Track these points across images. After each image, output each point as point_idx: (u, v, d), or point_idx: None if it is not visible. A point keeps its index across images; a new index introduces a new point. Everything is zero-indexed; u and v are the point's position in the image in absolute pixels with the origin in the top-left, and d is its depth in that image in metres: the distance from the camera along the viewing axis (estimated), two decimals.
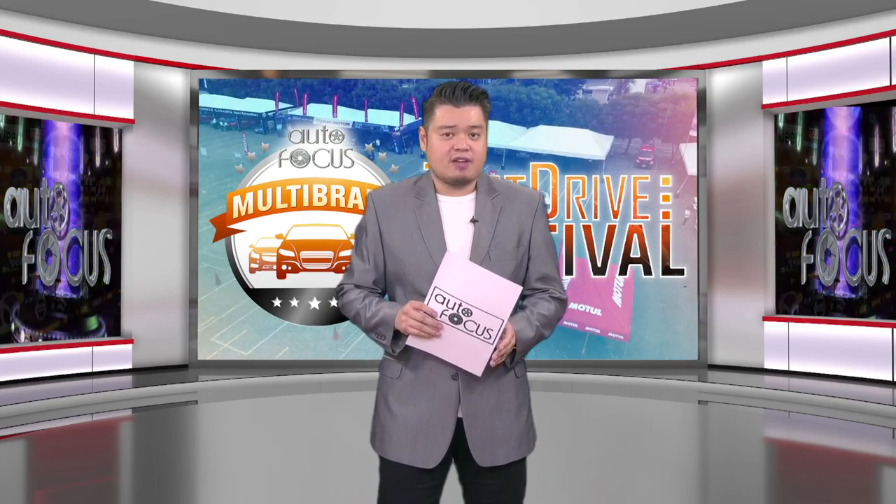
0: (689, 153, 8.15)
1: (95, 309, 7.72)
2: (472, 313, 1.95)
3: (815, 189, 7.68)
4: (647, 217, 8.15)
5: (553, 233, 2.23)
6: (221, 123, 8.16)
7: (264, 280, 8.13)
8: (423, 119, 2.13)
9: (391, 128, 8.23)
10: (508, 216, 2.11)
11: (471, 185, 2.13)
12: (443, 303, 1.95)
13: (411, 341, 2.02)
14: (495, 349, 1.99)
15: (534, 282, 2.15)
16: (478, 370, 2.01)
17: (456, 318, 1.96)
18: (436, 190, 2.13)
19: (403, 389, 2.10)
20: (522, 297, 2.16)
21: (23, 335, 7.24)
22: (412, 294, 2.07)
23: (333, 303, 8.10)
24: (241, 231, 8.14)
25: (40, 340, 7.33)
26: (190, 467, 4.88)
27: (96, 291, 7.73)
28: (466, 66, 8.45)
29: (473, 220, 2.09)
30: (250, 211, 8.16)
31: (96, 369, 7.59)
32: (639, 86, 8.22)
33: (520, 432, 2.13)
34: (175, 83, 8.12)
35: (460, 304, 1.95)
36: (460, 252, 2.06)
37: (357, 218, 7.99)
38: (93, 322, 7.67)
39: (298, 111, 8.20)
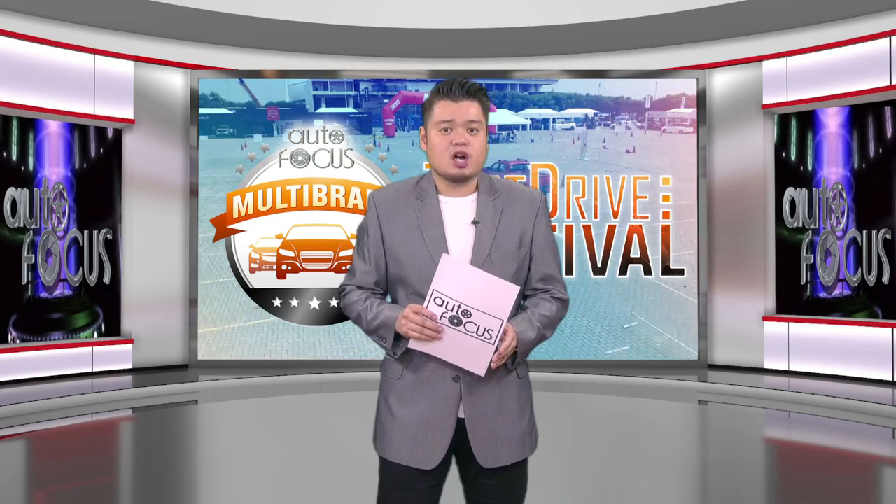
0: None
1: (95, 309, 7.72)
2: (471, 315, 1.95)
3: (815, 189, 7.68)
4: (647, 217, 8.16)
5: (553, 233, 2.22)
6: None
7: (264, 280, 8.13)
8: (423, 119, 2.13)
9: None
10: (510, 217, 2.10)
11: (472, 186, 2.12)
12: (442, 305, 1.95)
13: (413, 344, 2.01)
14: (496, 351, 1.98)
15: (535, 282, 2.14)
16: (480, 370, 2.00)
17: (456, 320, 1.96)
18: (437, 190, 2.12)
19: (404, 390, 2.09)
20: (524, 297, 2.16)
21: (23, 335, 7.24)
22: (413, 296, 2.06)
23: (333, 303, 8.10)
24: (241, 231, 8.15)
25: (40, 340, 7.33)
26: (190, 467, 4.88)
27: (96, 291, 7.73)
28: (466, 66, 8.46)
29: (475, 222, 2.08)
30: (250, 211, 8.16)
31: (96, 369, 7.59)
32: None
33: (522, 433, 2.13)
34: (175, 83, 8.12)
35: (459, 306, 1.95)
36: (462, 253, 2.06)
37: (357, 218, 8.06)
38: (82, 319, 7.63)
39: None
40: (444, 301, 1.95)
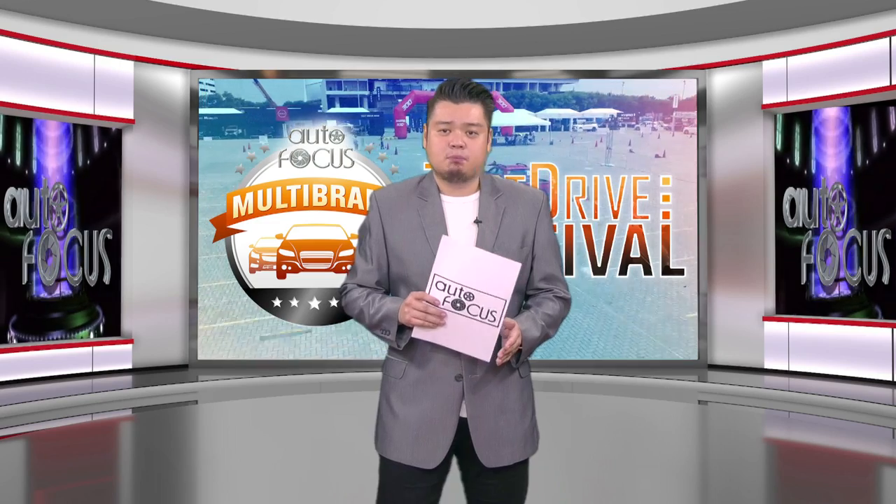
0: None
1: (95, 308, 7.71)
2: (474, 297, 1.93)
3: (815, 189, 7.68)
4: (647, 217, 8.15)
5: (554, 232, 2.22)
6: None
7: (264, 280, 8.13)
8: (426, 116, 2.13)
9: None
10: (512, 217, 2.10)
11: (474, 185, 2.12)
12: (444, 289, 1.94)
13: (416, 332, 2.00)
14: (500, 345, 1.98)
15: (538, 282, 2.14)
16: (485, 355, 1.99)
17: (458, 304, 1.94)
18: (439, 190, 2.12)
19: (406, 389, 2.09)
20: (527, 296, 2.16)
21: (23, 335, 7.24)
22: None
23: (333, 303, 8.10)
24: (241, 231, 8.14)
25: (40, 340, 7.33)
26: (190, 467, 4.87)
27: (96, 291, 7.73)
28: (466, 66, 8.46)
29: (477, 221, 2.08)
30: (250, 211, 8.16)
31: (96, 369, 7.59)
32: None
33: (524, 433, 2.13)
34: (175, 83, 8.12)
35: (461, 289, 1.93)
36: None
37: (357, 218, 8.06)
38: (82, 318, 7.63)
39: None
40: (446, 285, 1.93)
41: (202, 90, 8.13)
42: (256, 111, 8.19)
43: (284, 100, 8.21)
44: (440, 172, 2.09)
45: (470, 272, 1.92)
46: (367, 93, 8.23)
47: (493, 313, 1.94)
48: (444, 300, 1.94)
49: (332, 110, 8.22)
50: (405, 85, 8.23)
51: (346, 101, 8.23)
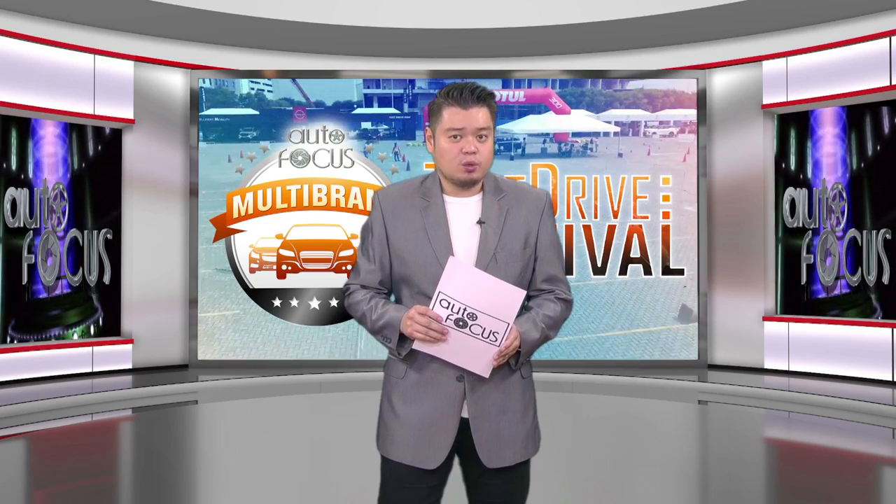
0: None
1: (94, 306, 7.71)
2: (477, 317, 1.95)
3: (814, 189, 7.68)
4: (647, 217, 8.15)
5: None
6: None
7: (264, 280, 8.13)
8: (430, 120, 2.13)
9: None
10: (515, 217, 2.10)
11: (477, 186, 2.12)
12: (448, 307, 1.95)
13: (417, 345, 2.02)
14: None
15: (540, 283, 2.15)
16: (485, 372, 2.01)
17: (461, 323, 1.96)
18: (442, 190, 2.12)
19: (408, 389, 2.09)
20: (528, 297, 2.16)
21: (23, 335, 7.24)
22: (418, 295, 2.07)
23: (334, 303, 8.10)
24: (241, 231, 8.14)
25: (40, 341, 7.33)
26: (190, 467, 4.87)
27: (96, 291, 7.73)
28: (466, 66, 8.45)
29: (480, 222, 2.09)
30: (250, 211, 8.16)
31: (96, 369, 7.59)
32: None
33: (526, 433, 2.13)
34: (175, 83, 8.11)
35: (465, 309, 1.95)
36: (467, 253, 2.06)
37: (357, 218, 8.05)
38: (81, 318, 7.63)
39: None
40: (450, 303, 1.95)
41: (257, 89, 8.01)
42: (273, 112, 8.15)
43: (334, 99, 8.09)
44: (452, 179, 2.09)
45: (475, 294, 1.94)
46: (402, 91, 7.78)
47: (495, 334, 1.96)
48: (447, 318, 1.96)
49: (362, 111, 8.03)
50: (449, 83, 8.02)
51: (383, 101, 7.67)
